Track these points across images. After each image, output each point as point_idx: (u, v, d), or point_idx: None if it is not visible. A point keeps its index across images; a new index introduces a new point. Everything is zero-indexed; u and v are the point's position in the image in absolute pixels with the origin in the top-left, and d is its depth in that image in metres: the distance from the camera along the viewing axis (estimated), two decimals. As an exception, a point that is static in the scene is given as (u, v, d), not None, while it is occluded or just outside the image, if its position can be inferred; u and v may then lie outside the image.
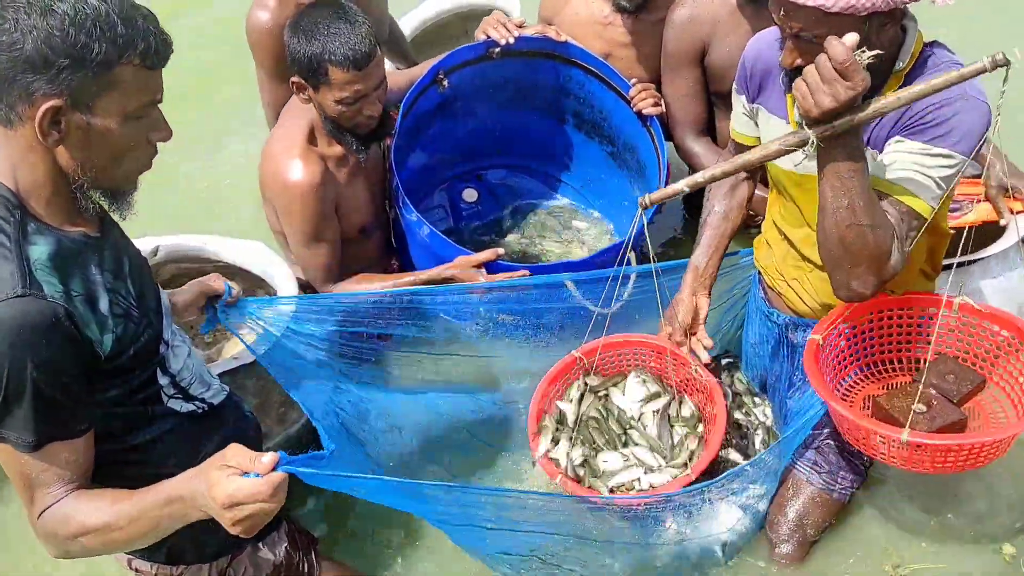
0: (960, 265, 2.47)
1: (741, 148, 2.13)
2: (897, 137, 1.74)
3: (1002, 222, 2.55)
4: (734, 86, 2.11)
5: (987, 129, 1.69)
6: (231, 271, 2.71)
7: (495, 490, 2.33)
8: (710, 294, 2.28)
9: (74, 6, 1.22)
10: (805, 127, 1.58)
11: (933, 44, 1.78)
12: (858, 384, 2.15)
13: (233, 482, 1.26)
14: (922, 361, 2.06)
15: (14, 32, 1.21)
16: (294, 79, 2.28)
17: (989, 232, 2.57)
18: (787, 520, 2.30)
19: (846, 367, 2.13)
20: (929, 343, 2.04)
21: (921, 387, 1.97)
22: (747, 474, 2.10)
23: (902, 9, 1.66)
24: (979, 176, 2.63)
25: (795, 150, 1.62)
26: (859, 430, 1.88)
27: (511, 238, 3.10)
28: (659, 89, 2.88)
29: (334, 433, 2.09)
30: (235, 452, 1.30)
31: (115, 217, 1.45)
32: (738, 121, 2.14)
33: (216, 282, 1.96)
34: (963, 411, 1.97)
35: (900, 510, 2.46)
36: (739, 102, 2.10)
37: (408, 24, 3.85)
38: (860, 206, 1.63)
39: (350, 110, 2.29)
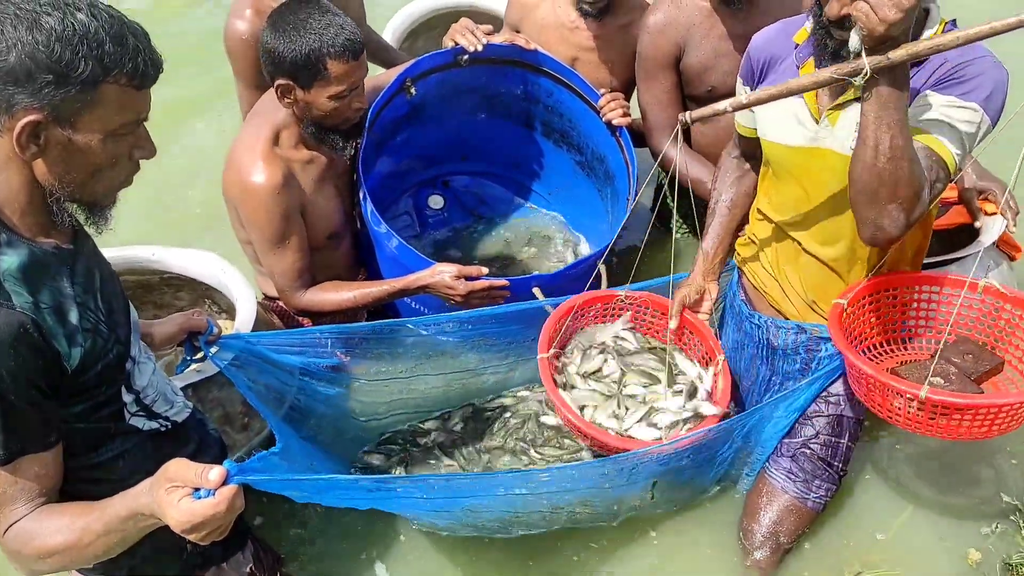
0: (938, 265, 2.50)
1: (743, 140, 2.23)
2: (926, 92, 1.77)
3: (976, 224, 2.58)
4: (738, 80, 2.16)
5: (1004, 98, 1.75)
6: (180, 282, 2.65)
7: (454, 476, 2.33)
8: (718, 281, 2.36)
9: (62, 21, 1.20)
10: (864, 55, 1.57)
11: (953, 23, 1.83)
12: (877, 359, 2.17)
13: (187, 506, 1.23)
14: (943, 342, 2.08)
15: None
16: (281, 82, 2.22)
17: (963, 234, 2.62)
18: (761, 528, 2.31)
19: (865, 339, 2.16)
20: (948, 322, 2.08)
21: (937, 361, 1.98)
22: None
23: None
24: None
25: (847, 79, 1.61)
26: (878, 388, 1.91)
27: (478, 246, 3.07)
28: (629, 95, 2.86)
29: (287, 433, 2.08)
30: (178, 469, 1.26)
31: (91, 231, 1.42)
32: (742, 114, 2.19)
33: (199, 318, 1.92)
34: (980, 388, 1.98)
35: (868, 516, 2.48)
36: (742, 94, 2.11)
37: (400, 19, 3.82)
38: (901, 140, 1.62)
39: (342, 104, 2.26)
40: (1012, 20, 1.49)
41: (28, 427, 1.29)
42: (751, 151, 2.26)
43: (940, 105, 1.74)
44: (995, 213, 2.62)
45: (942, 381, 1.96)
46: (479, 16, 3.87)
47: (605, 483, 2.16)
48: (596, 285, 2.44)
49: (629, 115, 2.71)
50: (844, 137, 1.87)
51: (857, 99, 1.81)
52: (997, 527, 2.41)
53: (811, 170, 1.97)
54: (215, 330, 1.94)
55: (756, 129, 2.13)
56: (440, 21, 3.87)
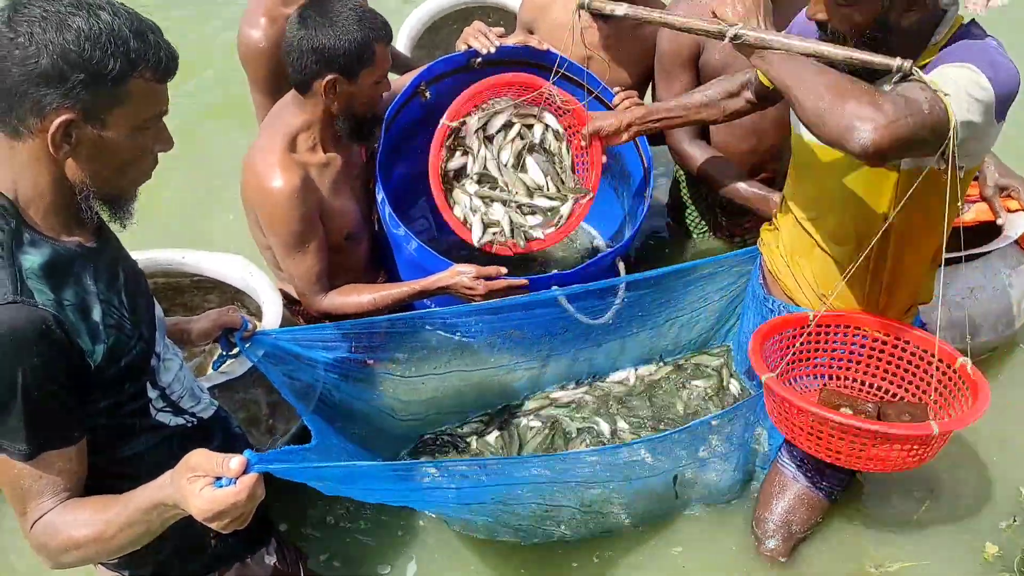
0: (959, 261, 2.51)
1: (762, 86, 2.30)
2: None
3: (998, 221, 2.59)
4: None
5: (1014, 93, 1.72)
6: (210, 285, 2.71)
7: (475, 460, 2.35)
8: (639, 128, 2.45)
9: (88, 21, 1.23)
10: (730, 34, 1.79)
11: (971, 24, 1.83)
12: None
13: (208, 495, 1.26)
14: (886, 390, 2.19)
15: (29, 46, 1.22)
16: (330, 77, 2.25)
17: (986, 231, 2.64)
18: (773, 517, 2.32)
19: (813, 365, 2.25)
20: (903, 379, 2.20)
21: (866, 402, 2.09)
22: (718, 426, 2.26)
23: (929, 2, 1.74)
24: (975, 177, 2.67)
25: (714, 34, 1.81)
26: (772, 398, 2.01)
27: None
28: (643, 93, 2.91)
29: (324, 430, 2.11)
30: (199, 458, 1.29)
31: (115, 227, 1.46)
32: None
33: (233, 314, 1.96)
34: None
35: (885, 509, 2.49)
36: None
37: (417, 16, 3.89)
38: (806, 70, 1.70)
39: (379, 89, 2.37)
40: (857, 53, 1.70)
41: (52, 423, 1.32)
42: (762, 94, 2.34)
43: (944, 72, 1.71)
44: (1018, 210, 2.61)
45: (849, 411, 2.03)
46: (491, 11, 3.95)
47: (626, 471, 2.21)
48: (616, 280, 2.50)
49: None
50: None
51: None
52: (1016, 520, 2.41)
53: (824, 166, 2.01)
54: (249, 326, 1.98)
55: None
56: (457, 16, 3.97)
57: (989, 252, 2.58)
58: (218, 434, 1.75)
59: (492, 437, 2.59)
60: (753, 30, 1.76)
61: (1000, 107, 1.69)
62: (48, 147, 1.27)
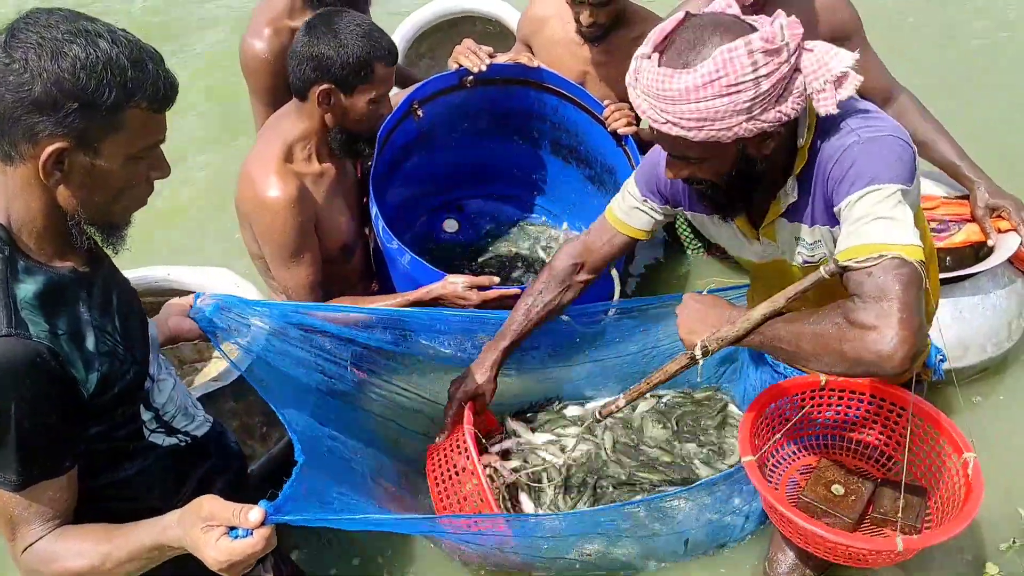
0: (951, 282, 2.51)
1: (617, 241, 2.15)
2: (837, 209, 1.66)
3: (989, 242, 2.60)
4: (638, 185, 2.08)
5: (910, 152, 1.64)
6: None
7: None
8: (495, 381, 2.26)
9: (85, 49, 1.21)
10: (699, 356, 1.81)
11: (822, 120, 1.72)
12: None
13: (225, 546, 1.27)
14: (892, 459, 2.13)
15: (23, 73, 1.19)
16: (324, 87, 2.25)
17: (977, 252, 2.66)
18: (787, 558, 2.26)
19: (818, 425, 2.18)
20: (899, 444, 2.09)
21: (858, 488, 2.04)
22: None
23: (781, 125, 1.63)
24: (965, 197, 2.68)
25: (688, 364, 1.85)
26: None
27: (492, 261, 3.09)
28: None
29: (310, 446, 1.97)
30: (212, 507, 1.29)
31: (108, 252, 1.44)
32: (631, 215, 2.11)
33: (179, 301, 1.87)
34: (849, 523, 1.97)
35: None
36: (634, 196, 2.08)
37: (408, 25, 3.93)
38: (787, 335, 1.64)
39: (376, 109, 2.35)
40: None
41: (43, 454, 1.31)
42: (610, 256, 2.19)
43: (848, 216, 1.62)
44: (1009, 230, 2.62)
45: (842, 492, 2.01)
46: (482, 22, 3.99)
47: (637, 531, 2.19)
48: (610, 289, 2.49)
49: (634, 123, 2.73)
50: (788, 248, 1.88)
51: (783, 214, 1.83)
52: (1016, 542, 2.39)
53: (776, 276, 1.96)
54: (203, 295, 1.87)
55: (645, 231, 2.11)
56: (447, 26, 4.03)
57: (979, 273, 2.59)
58: (213, 451, 1.72)
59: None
60: (711, 338, 1.76)
61: (911, 176, 1.61)
62: (39, 173, 1.25)
